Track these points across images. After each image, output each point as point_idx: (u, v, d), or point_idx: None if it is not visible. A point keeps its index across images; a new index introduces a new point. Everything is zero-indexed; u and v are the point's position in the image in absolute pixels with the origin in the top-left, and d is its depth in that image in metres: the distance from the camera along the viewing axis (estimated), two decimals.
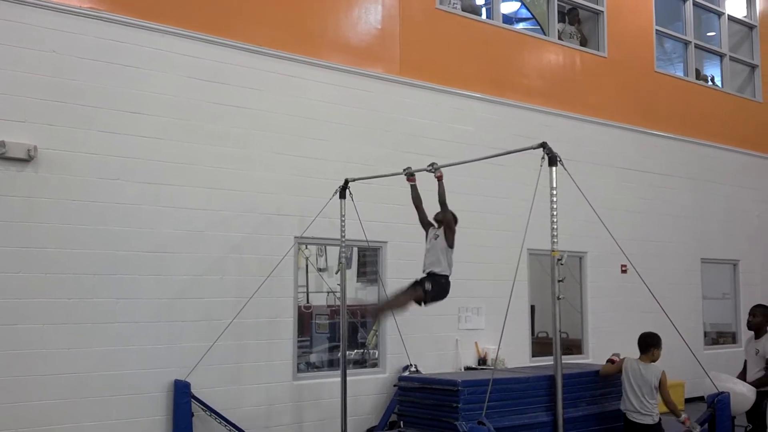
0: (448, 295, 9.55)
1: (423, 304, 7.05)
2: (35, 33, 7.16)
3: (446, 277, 7.00)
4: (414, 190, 7.46)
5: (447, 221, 7.04)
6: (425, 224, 7.34)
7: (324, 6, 9.23)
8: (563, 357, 6.72)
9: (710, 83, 14.42)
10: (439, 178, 7.17)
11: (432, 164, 7.27)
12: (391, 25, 9.75)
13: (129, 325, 7.46)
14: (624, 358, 7.39)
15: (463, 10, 10.64)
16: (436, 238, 7.07)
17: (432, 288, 6.93)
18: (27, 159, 6.97)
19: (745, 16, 14.93)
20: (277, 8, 8.76)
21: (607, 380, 7.57)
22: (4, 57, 7.00)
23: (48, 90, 7.19)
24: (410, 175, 7.53)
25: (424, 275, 7.01)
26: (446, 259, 6.99)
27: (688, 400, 11.06)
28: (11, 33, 7.05)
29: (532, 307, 10.82)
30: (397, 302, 7.25)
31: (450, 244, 7.02)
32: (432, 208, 7.17)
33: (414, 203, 7.42)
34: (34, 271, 7.00)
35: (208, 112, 8.13)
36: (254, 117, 8.43)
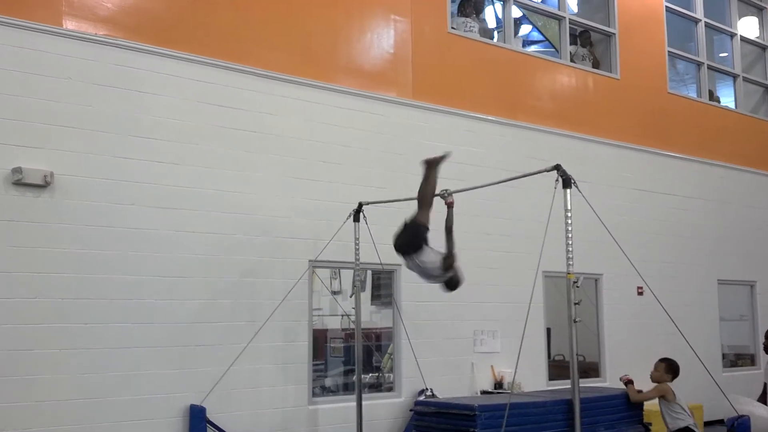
0: (463, 320, 9.57)
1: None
2: (51, 60, 7.24)
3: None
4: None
5: (447, 254, 6.84)
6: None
7: (336, 31, 9.30)
8: (580, 380, 6.66)
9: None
10: (450, 205, 7.03)
11: (444, 190, 7.19)
12: (404, 49, 9.80)
13: (145, 349, 7.45)
14: (665, 384, 7.50)
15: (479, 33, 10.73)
16: (421, 264, 6.86)
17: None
18: (43, 185, 7.02)
19: (757, 37, 14.95)
20: (289, 34, 8.82)
21: (626, 404, 7.54)
22: (20, 84, 7.07)
23: (64, 116, 7.26)
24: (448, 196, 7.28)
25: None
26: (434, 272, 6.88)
27: (707, 423, 10.93)
28: (27, 60, 7.12)
29: (548, 330, 10.74)
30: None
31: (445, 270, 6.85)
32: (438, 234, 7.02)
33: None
34: (51, 297, 7.01)
35: (222, 136, 8.18)
36: (268, 141, 8.47)
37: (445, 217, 6.97)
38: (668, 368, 7.59)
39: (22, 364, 6.82)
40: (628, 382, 7.64)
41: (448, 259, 6.83)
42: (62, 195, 7.16)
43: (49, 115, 7.18)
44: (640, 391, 7.63)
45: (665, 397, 7.49)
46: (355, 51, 9.49)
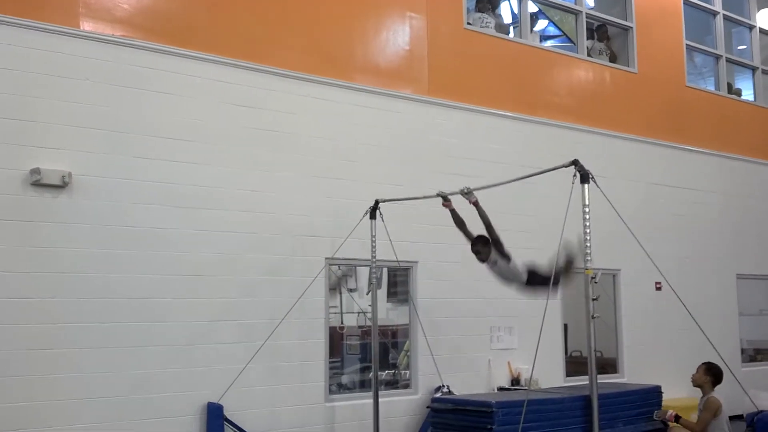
0: (480, 316, 9.54)
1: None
2: (69, 61, 7.29)
3: (531, 272, 7.11)
4: (453, 214, 7.43)
5: (494, 241, 7.05)
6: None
7: (353, 29, 9.30)
8: (598, 376, 6.62)
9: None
10: (475, 204, 7.11)
11: (464, 188, 7.21)
12: (420, 46, 9.78)
13: (163, 348, 7.50)
14: (715, 399, 7.30)
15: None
16: (495, 264, 7.08)
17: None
18: (62, 185, 7.07)
19: None
20: (307, 33, 8.83)
21: (644, 400, 7.48)
22: (39, 85, 7.13)
23: (82, 117, 7.31)
24: (445, 200, 7.48)
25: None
26: (514, 273, 7.10)
27: None
28: (46, 62, 7.18)
29: (565, 326, 10.70)
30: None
31: (508, 258, 7.09)
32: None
33: (458, 227, 7.37)
34: (70, 296, 7.08)
35: (241, 136, 8.21)
36: (286, 140, 8.49)
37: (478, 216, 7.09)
38: (707, 370, 7.44)
39: (41, 363, 6.88)
40: (678, 418, 7.35)
41: (499, 247, 7.08)
42: (80, 195, 7.21)
43: (67, 116, 7.24)
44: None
45: (715, 414, 7.29)
46: (372, 49, 9.48)
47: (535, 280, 7.12)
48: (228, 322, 7.91)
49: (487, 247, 7.07)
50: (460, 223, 7.39)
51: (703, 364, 7.55)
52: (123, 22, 7.67)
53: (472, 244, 7.18)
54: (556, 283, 6.85)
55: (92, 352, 7.13)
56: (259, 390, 8.00)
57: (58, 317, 7.00)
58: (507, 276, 7.17)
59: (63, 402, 6.95)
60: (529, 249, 9.96)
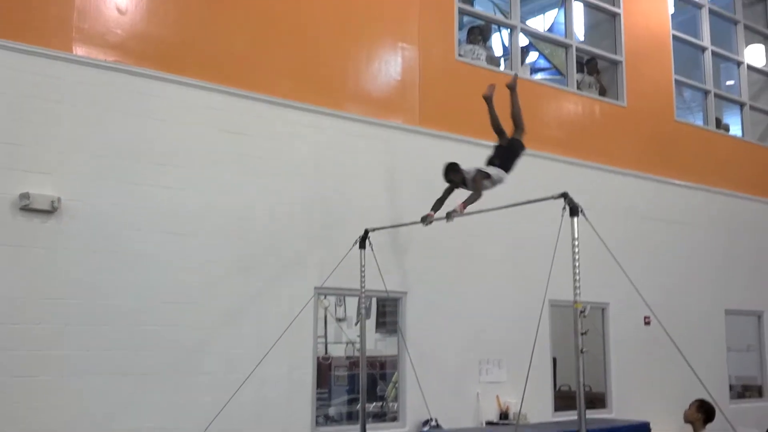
0: (469, 349, 9.48)
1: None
2: (60, 86, 7.27)
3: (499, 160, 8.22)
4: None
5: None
6: None
7: (345, 58, 9.34)
8: (586, 411, 6.57)
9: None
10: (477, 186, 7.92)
11: (452, 212, 7.34)
12: (411, 77, 9.83)
13: (148, 376, 7.41)
14: None
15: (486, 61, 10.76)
16: (485, 187, 8.03)
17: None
18: (50, 210, 7.02)
19: (764, 66, 14.96)
20: (299, 61, 8.86)
21: None
22: (29, 109, 7.10)
23: (72, 142, 7.28)
24: (429, 223, 7.66)
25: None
26: (498, 177, 8.15)
27: None
28: (37, 86, 7.16)
29: (554, 360, 10.65)
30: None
31: (487, 174, 8.05)
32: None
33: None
34: (56, 322, 6.99)
35: (230, 162, 8.18)
36: (275, 167, 8.47)
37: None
38: (699, 407, 7.41)
39: (26, 391, 6.78)
40: None
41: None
42: (69, 220, 7.16)
43: (57, 141, 7.21)
44: None
45: None
46: (364, 78, 9.52)
47: (507, 159, 8.32)
48: (214, 350, 7.83)
49: (458, 173, 7.87)
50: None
51: (696, 400, 7.51)
52: (116, 47, 7.67)
53: (445, 177, 7.92)
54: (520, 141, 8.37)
55: (75, 380, 7.03)
56: (246, 421, 7.87)
57: (44, 343, 6.91)
58: (497, 182, 8.15)
59: (45, 429, 6.83)
60: (517, 281, 10.04)
